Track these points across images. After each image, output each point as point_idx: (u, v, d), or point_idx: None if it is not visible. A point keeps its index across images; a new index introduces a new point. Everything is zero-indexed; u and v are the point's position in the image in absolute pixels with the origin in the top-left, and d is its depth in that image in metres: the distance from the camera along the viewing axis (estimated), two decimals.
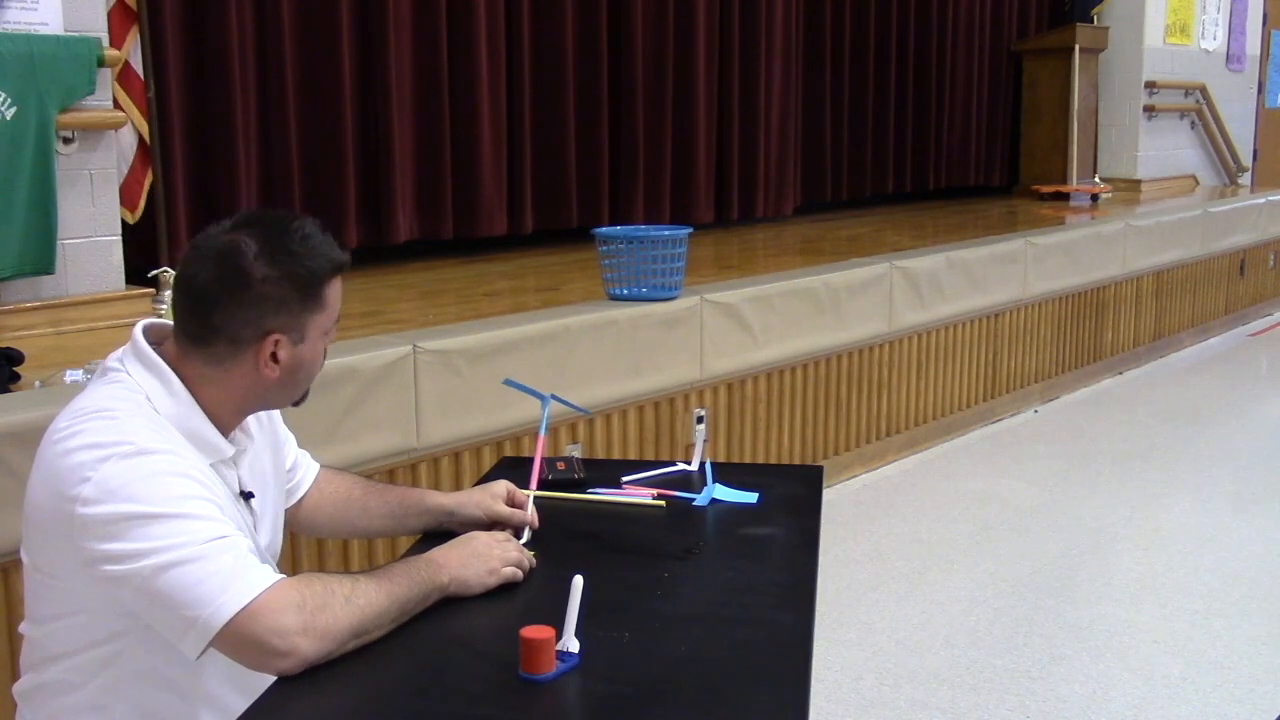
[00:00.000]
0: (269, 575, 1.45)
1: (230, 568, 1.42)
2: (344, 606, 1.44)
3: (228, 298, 1.54)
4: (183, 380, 1.57)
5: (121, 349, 1.61)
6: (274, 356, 1.58)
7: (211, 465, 1.59)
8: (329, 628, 1.42)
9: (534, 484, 1.92)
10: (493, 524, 1.83)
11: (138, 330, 1.61)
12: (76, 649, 1.55)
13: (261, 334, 1.57)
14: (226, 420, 1.63)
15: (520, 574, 1.66)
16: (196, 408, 1.58)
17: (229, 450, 1.62)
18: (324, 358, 1.68)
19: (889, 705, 3.01)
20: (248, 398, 1.62)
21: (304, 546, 2.96)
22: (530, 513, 1.85)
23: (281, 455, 1.85)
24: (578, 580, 1.44)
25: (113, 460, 1.44)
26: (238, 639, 1.40)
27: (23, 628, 1.62)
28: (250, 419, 1.71)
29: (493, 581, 1.62)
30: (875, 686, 3.10)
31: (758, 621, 1.55)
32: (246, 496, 1.67)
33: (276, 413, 1.83)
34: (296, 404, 1.70)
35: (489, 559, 1.63)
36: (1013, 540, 4.13)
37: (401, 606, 1.51)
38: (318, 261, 1.58)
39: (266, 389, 1.61)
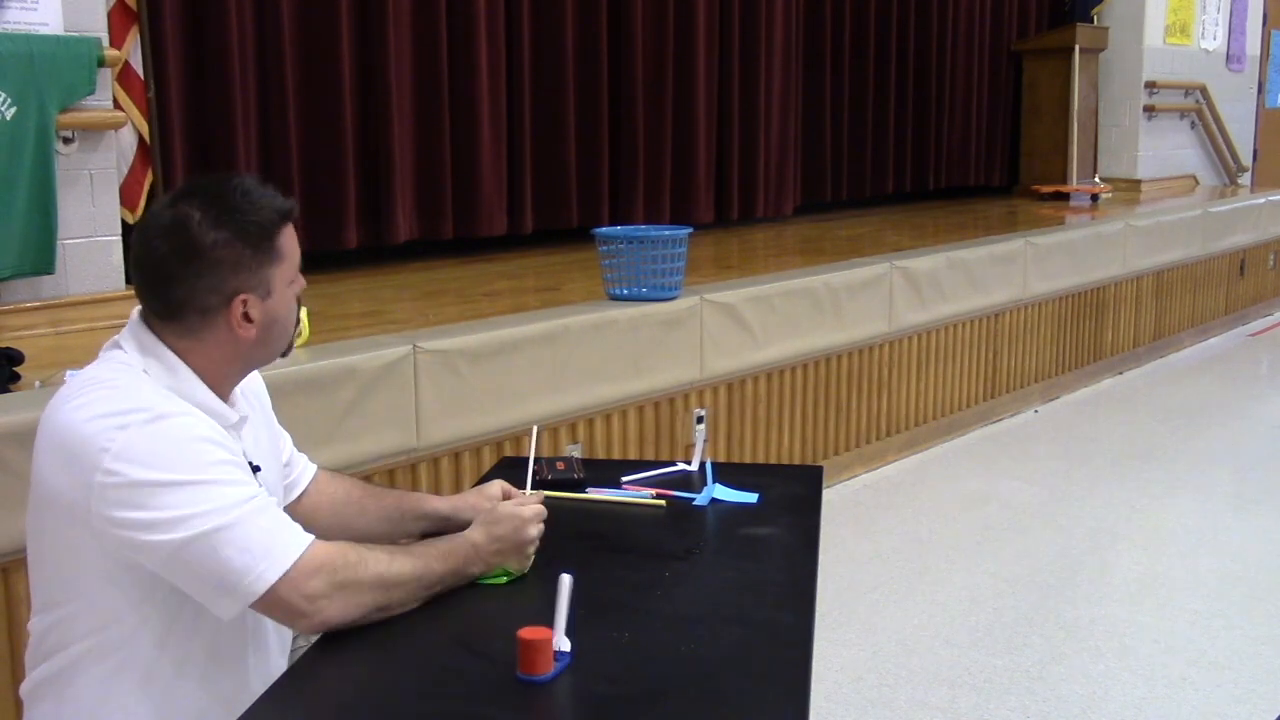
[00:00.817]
0: (302, 537, 1.50)
1: (265, 532, 1.47)
2: (372, 578, 1.51)
3: (184, 270, 1.55)
4: (180, 356, 1.58)
5: (119, 334, 1.62)
6: (246, 316, 1.58)
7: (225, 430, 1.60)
8: (354, 596, 1.49)
9: (529, 484, 1.91)
10: None
11: (135, 312, 1.62)
12: (76, 638, 1.54)
13: (228, 298, 1.57)
14: (222, 389, 1.63)
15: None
16: (194, 377, 1.58)
17: (233, 415, 1.63)
18: (299, 307, 1.68)
19: (889, 705, 3.01)
20: (233, 362, 1.62)
21: None
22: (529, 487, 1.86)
23: (278, 446, 1.85)
24: (565, 579, 1.44)
25: (133, 428, 1.45)
26: (272, 602, 1.47)
27: (29, 624, 1.62)
28: (242, 400, 1.71)
29: (520, 569, 1.68)
30: (875, 686, 3.10)
31: (758, 621, 1.55)
32: (254, 469, 1.67)
33: (269, 402, 1.84)
34: (284, 354, 1.70)
35: (522, 553, 1.68)
36: (1013, 540, 4.13)
37: (430, 585, 1.57)
38: (263, 214, 1.58)
39: (248, 349, 1.62)
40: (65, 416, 1.49)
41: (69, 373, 2.79)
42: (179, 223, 1.55)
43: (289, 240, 1.63)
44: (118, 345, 1.59)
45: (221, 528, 1.44)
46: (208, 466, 1.46)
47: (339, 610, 1.49)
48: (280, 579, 1.46)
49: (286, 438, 1.92)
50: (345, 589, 1.49)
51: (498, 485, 1.89)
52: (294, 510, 1.90)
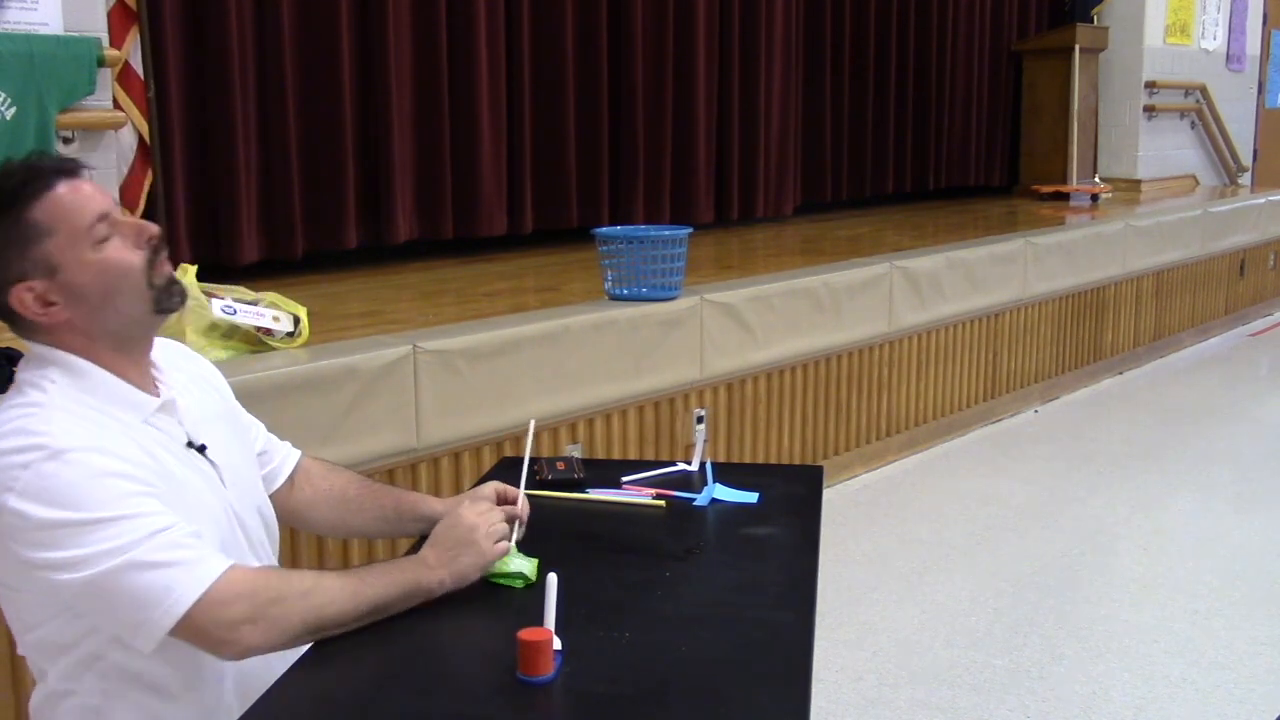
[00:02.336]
0: (217, 563, 1.44)
1: (175, 563, 1.41)
2: (299, 601, 1.46)
3: None
4: (68, 351, 1.53)
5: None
6: (43, 301, 1.49)
7: (147, 422, 1.55)
8: (279, 621, 1.44)
9: (522, 482, 1.87)
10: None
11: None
12: (58, 655, 1.53)
13: (6, 294, 1.49)
14: (127, 372, 1.56)
15: (509, 545, 1.65)
16: (97, 370, 1.53)
17: (153, 403, 1.57)
18: (144, 254, 1.54)
19: (889, 705, 3.01)
20: (103, 340, 1.53)
21: (304, 546, 2.96)
22: (522, 505, 1.79)
23: (243, 432, 1.80)
24: (551, 578, 1.44)
25: (34, 466, 1.40)
26: (189, 630, 1.42)
27: (19, 649, 1.61)
28: (182, 380, 1.67)
29: (488, 563, 1.61)
30: (875, 686, 3.10)
31: (758, 621, 1.55)
32: (200, 449, 1.62)
33: (224, 385, 1.80)
34: (165, 310, 1.58)
35: (475, 545, 1.61)
36: (1013, 540, 4.13)
37: (371, 606, 1.50)
38: (6, 198, 1.48)
39: (86, 326, 1.52)
40: None
41: None
42: None
43: (46, 210, 1.48)
44: (26, 363, 1.54)
45: (130, 564, 1.39)
46: (111, 502, 1.40)
47: (261, 637, 1.44)
48: (193, 606, 1.40)
49: (259, 427, 1.88)
50: (267, 615, 1.43)
51: (490, 487, 1.86)
52: (285, 500, 1.88)
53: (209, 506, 1.59)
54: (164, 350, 1.71)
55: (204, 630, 1.42)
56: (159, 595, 1.40)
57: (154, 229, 1.57)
